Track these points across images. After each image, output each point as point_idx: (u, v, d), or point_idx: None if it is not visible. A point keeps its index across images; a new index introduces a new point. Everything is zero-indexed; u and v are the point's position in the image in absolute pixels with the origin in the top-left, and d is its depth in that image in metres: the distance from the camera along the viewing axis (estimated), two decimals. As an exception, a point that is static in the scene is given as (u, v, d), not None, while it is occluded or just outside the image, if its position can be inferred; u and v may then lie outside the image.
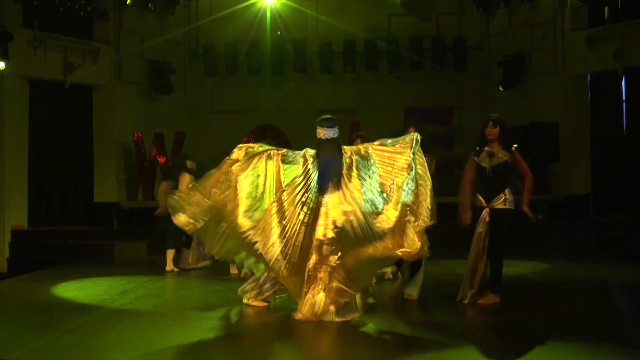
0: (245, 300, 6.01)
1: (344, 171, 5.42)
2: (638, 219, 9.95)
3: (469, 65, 12.33)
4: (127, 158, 11.83)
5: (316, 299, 5.23)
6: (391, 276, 7.20)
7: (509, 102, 11.81)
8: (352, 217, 5.26)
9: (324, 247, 5.27)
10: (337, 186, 5.37)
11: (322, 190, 5.37)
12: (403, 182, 5.31)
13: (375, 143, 5.59)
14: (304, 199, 5.37)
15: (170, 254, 8.44)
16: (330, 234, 5.26)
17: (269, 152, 5.57)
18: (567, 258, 8.94)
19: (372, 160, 5.47)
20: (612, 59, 10.56)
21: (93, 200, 11.25)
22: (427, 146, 5.60)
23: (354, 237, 5.26)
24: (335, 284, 5.25)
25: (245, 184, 5.45)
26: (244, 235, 5.34)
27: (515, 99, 11.80)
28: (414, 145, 5.44)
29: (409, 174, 5.31)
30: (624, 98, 11.11)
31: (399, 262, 6.55)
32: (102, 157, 11.61)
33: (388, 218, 5.25)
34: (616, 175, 10.90)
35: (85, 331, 5.32)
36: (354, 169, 5.44)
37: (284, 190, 5.42)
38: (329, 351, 4.77)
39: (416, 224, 5.20)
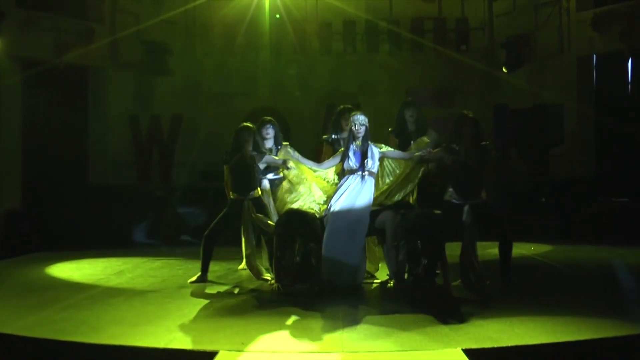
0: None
1: None
2: (643, 202, 9.97)
3: (471, 46, 12.26)
4: (123, 140, 11.81)
5: None
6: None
7: (513, 84, 11.76)
8: None
9: None
10: None
11: None
12: None
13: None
14: None
15: None
16: None
17: None
18: (570, 241, 8.99)
19: None
20: (619, 39, 10.52)
21: (88, 182, 11.25)
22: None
23: None
24: None
25: None
26: None
27: (519, 82, 11.76)
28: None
29: None
30: (629, 80, 11.08)
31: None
32: (97, 139, 11.57)
33: None
34: (621, 158, 10.89)
35: (79, 308, 5.37)
36: None
37: None
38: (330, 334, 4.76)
39: None
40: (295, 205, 6.35)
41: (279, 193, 6.59)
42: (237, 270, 7.15)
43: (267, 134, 7.23)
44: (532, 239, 8.83)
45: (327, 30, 12.18)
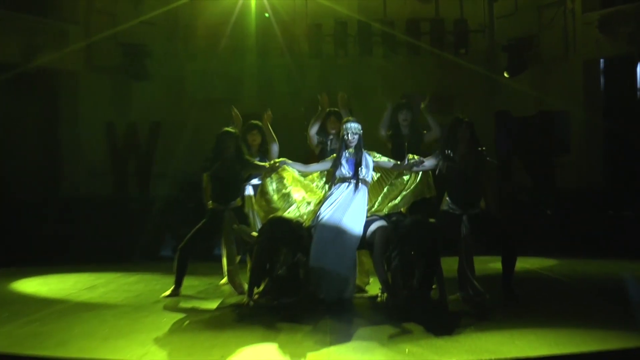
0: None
1: None
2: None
3: (471, 50, 12.35)
4: (98, 149, 11.79)
5: None
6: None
7: (515, 89, 11.83)
8: None
9: None
10: None
11: None
12: None
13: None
14: None
15: None
16: None
17: None
18: (577, 255, 9.00)
19: None
20: (627, 42, 10.62)
21: (60, 193, 11.20)
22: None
23: None
24: None
25: None
26: None
27: (522, 87, 11.83)
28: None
29: None
30: (639, 84, 11.17)
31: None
32: (70, 148, 11.53)
33: None
34: (631, 168, 10.94)
35: (46, 322, 5.35)
36: None
37: None
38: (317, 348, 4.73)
39: None
40: (285, 214, 6.34)
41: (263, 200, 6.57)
42: (218, 286, 7.13)
43: (254, 139, 7.26)
44: (536, 253, 8.83)
45: (317, 31, 12.25)
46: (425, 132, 7.33)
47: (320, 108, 7.01)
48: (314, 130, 7.04)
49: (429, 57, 12.43)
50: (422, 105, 7.33)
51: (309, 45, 12.30)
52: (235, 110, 7.36)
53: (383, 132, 7.33)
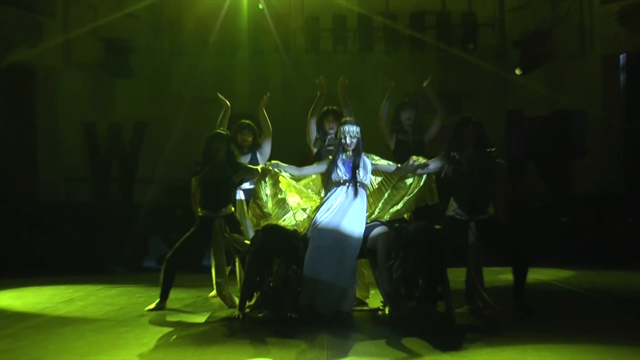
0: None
1: None
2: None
3: (480, 45, 12.40)
4: (77, 152, 11.79)
5: None
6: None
7: (528, 88, 11.86)
8: None
9: None
10: None
11: None
12: None
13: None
14: None
15: None
16: None
17: None
18: (595, 265, 9.02)
19: None
20: (649, 36, 10.67)
21: (36, 201, 11.19)
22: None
23: None
24: None
25: None
26: None
27: (535, 85, 11.85)
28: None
29: None
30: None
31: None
32: (47, 150, 11.53)
33: None
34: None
35: (19, 338, 5.34)
36: None
37: None
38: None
39: None
40: (280, 221, 6.34)
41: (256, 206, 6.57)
42: (207, 299, 7.13)
43: (245, 140, 7.29)
44: (551, 264, 8.85)
45: (314, 26, 12.28)
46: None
47: (318, 93, 7.04)
48: (313, 120, 7.07)
49: (435, 54, 12.46)
50: (425, 84, 7.35)
51: (306, 40, 12.33)
52: (221, 96, 7.38)
53: (384, 115, 7.33)
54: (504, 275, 7.22)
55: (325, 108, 7.08)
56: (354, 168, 6.24)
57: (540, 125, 11.67)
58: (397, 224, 6.10)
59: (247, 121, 7.45)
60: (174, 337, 5.35)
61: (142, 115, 12.13)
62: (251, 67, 12.57)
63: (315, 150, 7.13)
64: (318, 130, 7.08)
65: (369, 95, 12.24)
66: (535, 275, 7.81)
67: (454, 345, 4.82)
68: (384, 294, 6.07)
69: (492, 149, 6.23)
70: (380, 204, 6.45)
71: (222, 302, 6.67)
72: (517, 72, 12.00)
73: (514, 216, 9.30)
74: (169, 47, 12.52)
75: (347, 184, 6.21)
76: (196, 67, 12.48)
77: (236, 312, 5.99)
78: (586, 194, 11.04)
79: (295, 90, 12.04)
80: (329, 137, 7.01)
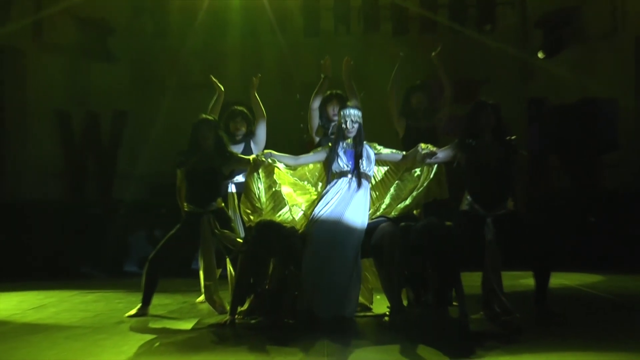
0: None
1: None
2: None
3: (498, 26, 12.40)
4: (49, 144, 11.80)
5: None
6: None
7: (551, 73, 11.87)
8: None
9: None
10: None
11: None
12: None
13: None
14: None
15: None
16: None
17: None
18: (626, 269, 9.04)
19: None
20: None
21: (3, 199, 11.22)
22: None
23: None
24: None
25: None
26: None
27: (560, 70, 11.86)
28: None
29: None
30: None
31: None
32: (15, 142, 11.55)
33: None
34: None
35: (-17, 346, 5.33)
36: None
37: None
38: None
39: None
40: (275, 217, 6.35)
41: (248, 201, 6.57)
42: (194, 304, 7.16)
43: (237, 128, 7.31)
44: (577, 268, 8.87)
45: (313, 4, 12.30)
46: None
47: (322, 76, 7.07)
48: (316, 104, 7.12)
49: (448, 35, 12.41)
50: (433, 54, 7.36)
51: (304, 20, 12.33)
52: (215, 79, 7.42)
53: (393, 90, 7.39)
54: (525, 280, 7.23)
55: (328, 92, 7.11)
56: (356, 157, 6.25)
57: (565, 114, 11.63)
58: (404, 221, 6.10)
59: (241, 107, 7.47)
60: (157, 344, 5.36)
61: (122, 104, 12.15)
62: (243, 50, 12.57)
63: (317, 139, 7.13)
64: (321, 117, 7.10)
65: (373, 82, 12.27)
66: (560, 279, 7.83)
67: (467, 352, 4.83)
68: (390, 298, 6.06)
69: (512, 137, 6.22)
70: (386, 200, 6.45)
71: (211, 307, 6.66)
72: (540, 55, 12.01)
73: (536, 214, 9.29)
74: (152, 27, 12.49)
75: (349, 175, 6.22)
76: (182, 50, 12.49)
77: (227, 318, 5.99)
78: (616, 190, 11.06)
79: (292, 76, 12.07)
80: (332, 124, 7.00)
